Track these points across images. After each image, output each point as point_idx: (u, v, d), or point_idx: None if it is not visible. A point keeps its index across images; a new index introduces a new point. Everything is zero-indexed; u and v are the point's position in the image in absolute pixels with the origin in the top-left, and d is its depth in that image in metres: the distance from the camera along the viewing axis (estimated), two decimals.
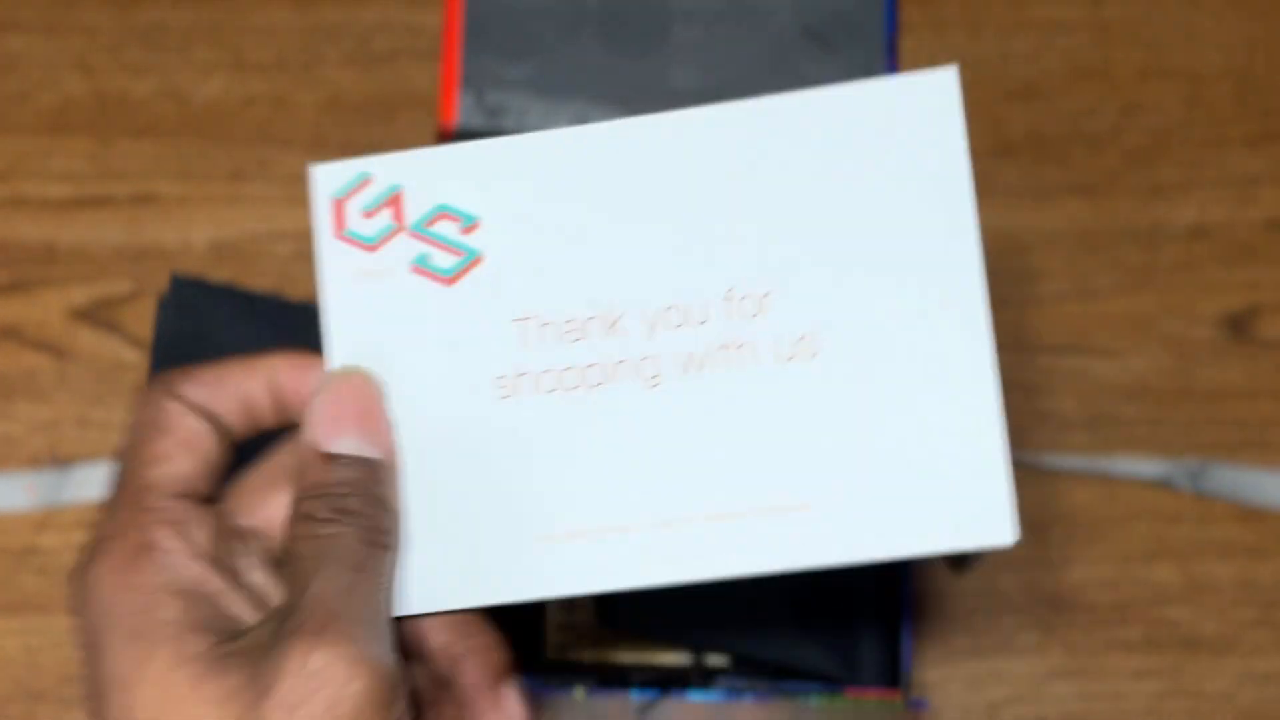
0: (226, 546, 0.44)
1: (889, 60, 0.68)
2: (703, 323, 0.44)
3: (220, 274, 0.70)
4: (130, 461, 0.44)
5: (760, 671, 0.63)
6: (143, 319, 0.70)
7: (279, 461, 0.46)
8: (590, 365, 0.44)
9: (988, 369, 0.43)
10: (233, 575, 0.44)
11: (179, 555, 0.42)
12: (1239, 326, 0.71)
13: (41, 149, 0.72)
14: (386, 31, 0.74)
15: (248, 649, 0.41)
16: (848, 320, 0.43)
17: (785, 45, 0.68)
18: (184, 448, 0.44)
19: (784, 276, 0.44)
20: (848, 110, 0.44)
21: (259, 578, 0.45)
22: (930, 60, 0.74)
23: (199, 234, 0.71)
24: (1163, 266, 0.72)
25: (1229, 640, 0.68)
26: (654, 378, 0.44)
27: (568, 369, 0.44)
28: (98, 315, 0.70)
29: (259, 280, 0.70)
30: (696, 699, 0.62)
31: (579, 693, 0.62)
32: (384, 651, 0.41)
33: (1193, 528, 0.69)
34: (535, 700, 0.64)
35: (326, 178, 0.45)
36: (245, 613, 0.43)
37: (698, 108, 0.45)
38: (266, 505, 0.46)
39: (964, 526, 0.42)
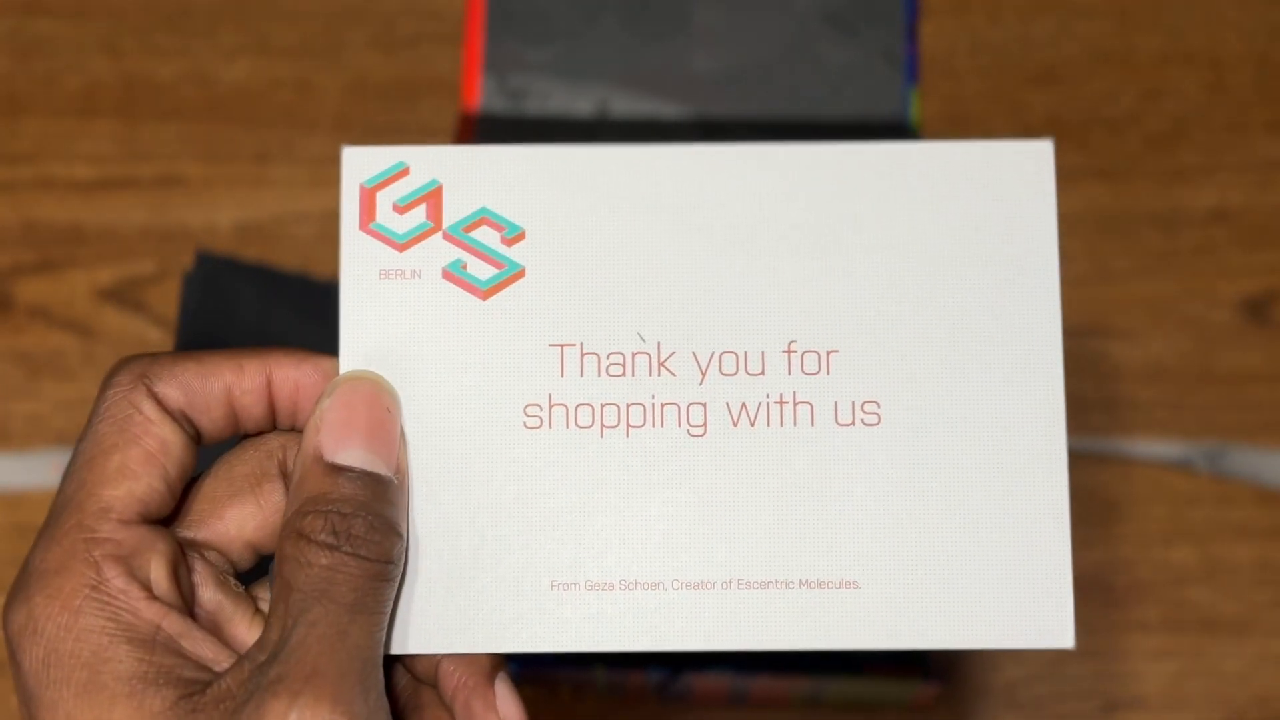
0: (182, 570, 0.40)
1: (909, 45, 0.68)
2: (759, 373, 0.40)
3: (245, 255, 0.71)
4: (85, 472, 0.39)
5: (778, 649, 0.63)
6: (168, 299, 0.71)
7: (237, 470, 0.41)
8: (632, 404, 0.40)
9: (1061, 464, 0.41)
10: (189, 605, 0.40)
11: (133, 596, 0.38)
12: (1258, 310, 0.71)
13: (69, 131, 0.73)
14: (410, 15, 0.74)
15: (217, 702, 0.37)
16: (916, 390, 0.40)
17: (806, 29, 0.69)
18: (150, 463, 0.39)
19: (853, 335, 0.40)
20: (934, 167, 0.41)
21: (209, 595, 0.40)
22: (950, 45, 0.74)
23: (224, 215, 0.72)
24: (1182, 250, 0.72)
25: (1247, 621, 0.68)
26: (699, 426, 0.40)
27: (607, 405, 0.40)
28: (124, 295, 0.71)
29: (283, 261, 0.71)
30: (715, 676, 0.63)
31: (599, 671, 0.63)
32: (371, 705, 0.37)
33: (1211, 509, 0.69)
34: (552, 679, 0.65)
35: (359, 162, 0.41)
36: (210, 652, 0.38)
37: (774, 144, 0.41)
38: (222, 519, 0.41)
39: (1022, 626, 0.40)
